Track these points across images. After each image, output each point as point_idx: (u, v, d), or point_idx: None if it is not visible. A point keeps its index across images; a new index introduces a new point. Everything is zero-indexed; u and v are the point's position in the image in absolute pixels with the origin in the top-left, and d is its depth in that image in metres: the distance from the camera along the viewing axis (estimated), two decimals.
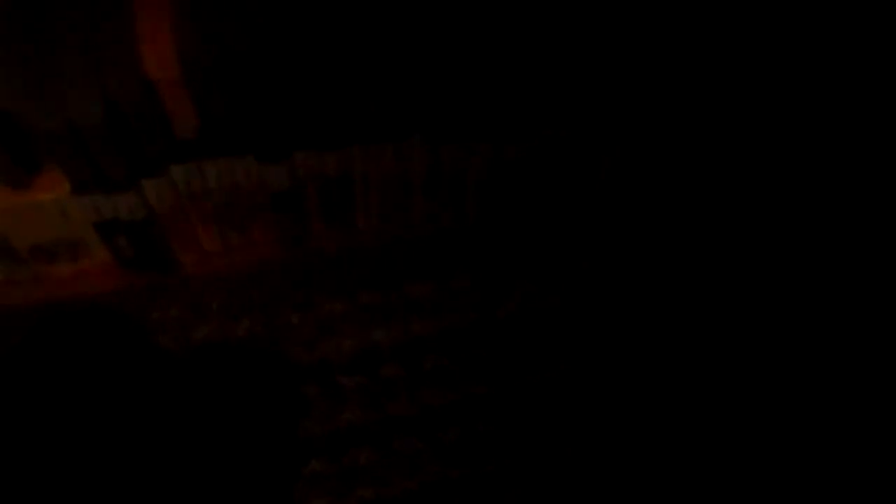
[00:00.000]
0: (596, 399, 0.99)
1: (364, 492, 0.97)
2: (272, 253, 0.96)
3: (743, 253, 1.08)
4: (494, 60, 0.83)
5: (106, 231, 0.87)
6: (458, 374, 0.99)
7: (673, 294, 1.05)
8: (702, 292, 1.06)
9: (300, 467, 0.98)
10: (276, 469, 0.98)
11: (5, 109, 0.74)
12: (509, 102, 0.86)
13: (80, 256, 0.91)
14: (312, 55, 0.78)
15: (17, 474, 0.91)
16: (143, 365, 0.98)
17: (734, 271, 1.07)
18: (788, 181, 1.00)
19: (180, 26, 0.75)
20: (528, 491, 1.00)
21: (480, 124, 0.87)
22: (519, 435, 0.96)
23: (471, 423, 0.96)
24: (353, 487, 0.95)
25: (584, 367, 1.00)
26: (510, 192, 0.95)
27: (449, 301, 1.02)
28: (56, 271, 0.93)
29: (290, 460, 0.98)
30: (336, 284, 1.01)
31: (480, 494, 0.99)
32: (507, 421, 0.97)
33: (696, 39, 0.85)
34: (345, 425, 0.97)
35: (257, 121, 0.81)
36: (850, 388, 1.07)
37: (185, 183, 0.84)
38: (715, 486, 1.04)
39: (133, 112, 0.76)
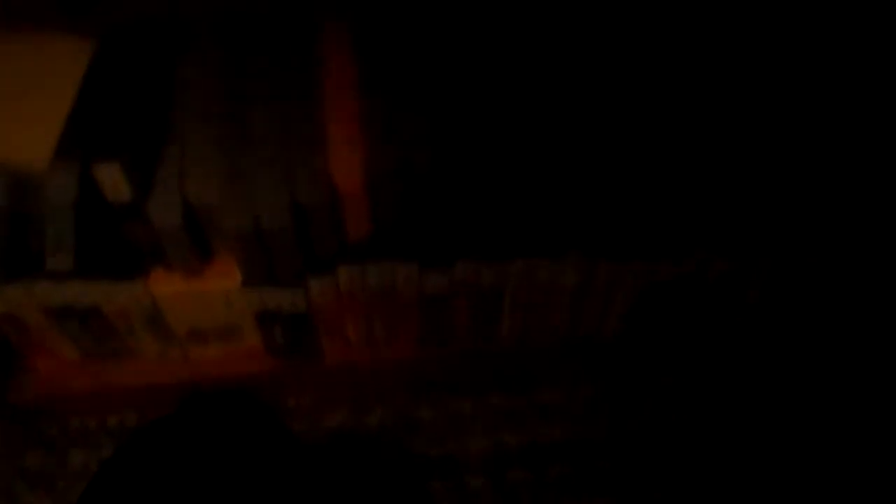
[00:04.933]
0: None
1: None
2: (412, 349, 0.98)
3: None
4: (653, 182, 0.84)
5: (265, 321, 0.89)
6: (584, 485, 0.99)
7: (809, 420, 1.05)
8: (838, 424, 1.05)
9: None
10: None
11: (199, 205, 0.78)
12: (667, 223, 0.88)
13: (231, 340, 0.94)
14: (483, 173, 0.80)
15: None
16: (274, 449, 1.00)
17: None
18: None
19: (369, 140, 0.79)
20: None
21: (637, 243, 0.88)
22: None
23: None
24: None
25: (711, 492, 1.00)
26: (655, 308, 0.96)
27: (578, 410, 1.03)
28: (205, 353, 0.96)
29: None
30: (469, 383, 1.02)
31: None
32: None
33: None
34: None
35: (425, 229, 0.84)
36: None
37: (347, 282, 0.86)
38: None
39: (316, 217, 0.79)
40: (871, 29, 0.93)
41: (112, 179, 0.75)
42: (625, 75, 0.87)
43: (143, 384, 0.96)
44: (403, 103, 0.81)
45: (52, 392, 0.96)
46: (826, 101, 0.87)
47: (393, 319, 0.93)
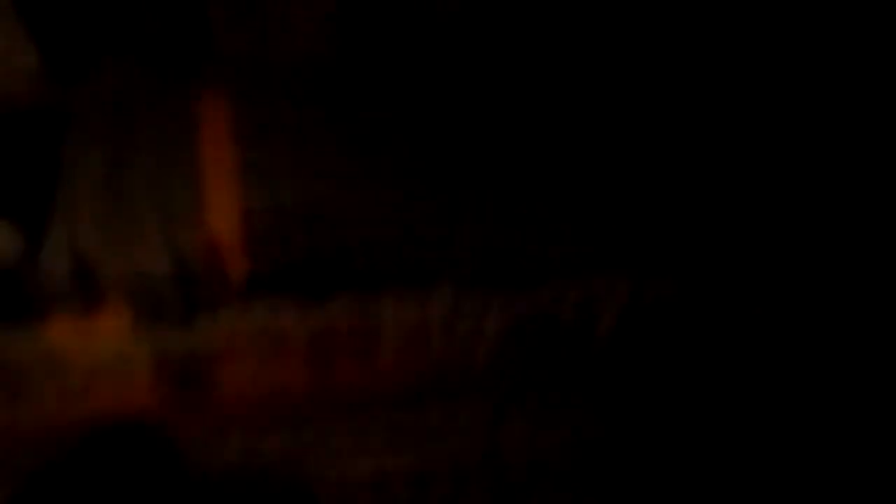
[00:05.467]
0: None
1: None
2: (301, 379, 1.05)
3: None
4: (518, 217, 0.93)
5: (157, 358, 0.95)
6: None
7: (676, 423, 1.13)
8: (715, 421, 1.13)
9: None
10: None
11: (86, 255, 0.84)
12: (526, 256, 0.96)
13: (126, 378, 1.00)
14: (351, 211, 0.88)
15: None
16: (174, 479, 1.05)
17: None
18: None
19: (244, 190, 0.86)
20: None
21: (499, 273, 0.97)
22: None
23: None
24: None
25: None
26: (520, 335, 1.04)
27: (457, 432, 1.11)
28: (102, 392, 1.01)
29: None
30: (357, 407, 1.09)
31: None
32: None
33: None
34: None
35: (303, 267, 0.91)
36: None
37: (232, 320, 0.93)
38: None
39: (195, 261, 0.85)
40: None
41: None
42: (489, 108, 0.95)
43: (43, 427, 1.01)
44: (275, 151, 0.89)
45: None
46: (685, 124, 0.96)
47: (280, 352, 1.00)
